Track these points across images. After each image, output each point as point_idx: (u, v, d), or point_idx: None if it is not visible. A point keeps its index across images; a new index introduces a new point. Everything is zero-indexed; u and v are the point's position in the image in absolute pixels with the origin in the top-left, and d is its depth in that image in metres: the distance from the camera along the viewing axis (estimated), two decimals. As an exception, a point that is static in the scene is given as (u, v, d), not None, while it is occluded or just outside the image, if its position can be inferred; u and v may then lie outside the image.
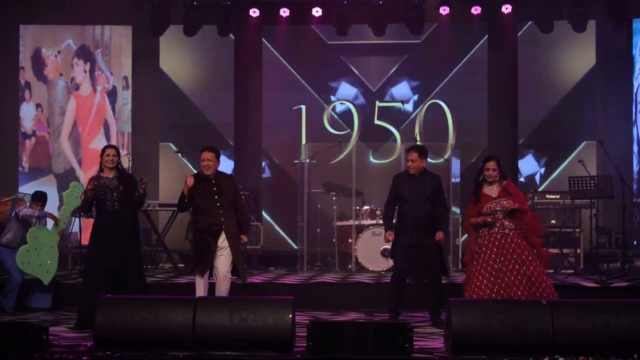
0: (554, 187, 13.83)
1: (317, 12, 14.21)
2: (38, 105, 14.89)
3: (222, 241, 8.18)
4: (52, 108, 14.91)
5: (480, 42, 14.86)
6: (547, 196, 12.20)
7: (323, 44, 14.99)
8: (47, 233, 9.65)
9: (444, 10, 14.08)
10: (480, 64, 14.81)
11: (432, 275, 8.48)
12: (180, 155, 12.42)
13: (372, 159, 14.51)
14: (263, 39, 15.04)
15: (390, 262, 10.40)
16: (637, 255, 12.19)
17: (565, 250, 11.71)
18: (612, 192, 11.04)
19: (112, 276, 8.15)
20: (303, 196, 12.31)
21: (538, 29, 14.21)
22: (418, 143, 12.04)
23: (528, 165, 14.73)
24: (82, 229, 11.22)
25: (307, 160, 12.38)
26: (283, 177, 14.67)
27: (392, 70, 14.98)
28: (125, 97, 14.91)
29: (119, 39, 14.93)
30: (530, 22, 14.49)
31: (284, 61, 15.09)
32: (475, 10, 14.12)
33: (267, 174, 15.06)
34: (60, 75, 14.94)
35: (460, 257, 11.51)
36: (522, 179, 14.57)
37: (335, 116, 14.76)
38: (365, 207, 12.34)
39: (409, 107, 14.84)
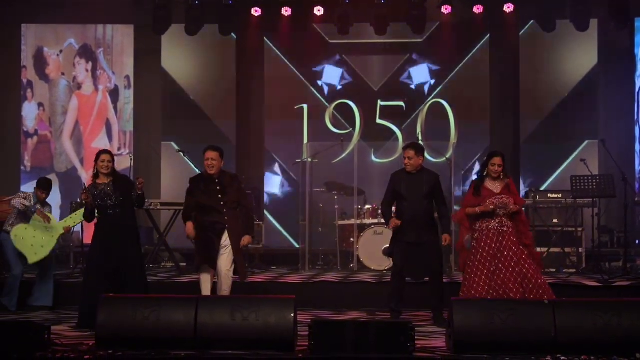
0: (556, 186, 13.82)
1: (319, 11, 14.22)
2: (40, 105, 14.91)
3: (225, 240, 8.19)
4: (54, 107, 14.92)
5: (482, 41, 14.85)
6: (549, 195, 12.18)
7: (325, 43, 14.99)
8: (53, 222, 9.60)
9: (446, 9, 14.07)
10: (482, 63, 14.80)
11: (433, 273, 8.47)
12: (182, 154, 12.48)
13: (373, 158, 14.52)
14: (265, 38, 15.04)
15: (391, 261, 10.40)
16: (639, 254, 12.18)
17: (567, 250, 11.69)
18: (614, 191, 11.03)
19: (113, 276, 8.15)
20: (305, 195, 12.31)
21: (540, 28, 14.21)
22: (420, 142, 12.03)
23: None
24: (84, 228, 11.23)
25: (309, 160, 12.38)
26: (285, 176, 14.69)
27: (394, 69, 14.98)
28: (127, 96, 14.91)
29: (120, 38, 14.94)
30: (532, 21, 14.48)
31: (286, 60, 15.08)
32: (477, 9, 14.11)
33: (286, 187, 15.05)
34: (62, 74, 14.95)
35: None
36: None
37: (337, 115, 14.76)
38: (367, 206, 12.35)
39: (425, 87, 14.82)
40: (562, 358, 6.33)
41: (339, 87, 14.99)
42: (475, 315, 6.59)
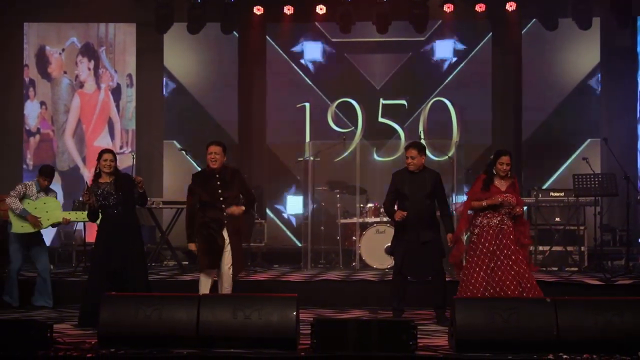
0: (559, 184, 13.82)
1: (321, 9, 14.23)
2: (42, 103, 14.92)
3: (225, 237, 8.20)
4: (57, 106, 14.93)
5: (485, 40, 14.85)
6: (552, 194, 12.19)
7: (327, 41, 14.99)
8: (55, 208, 9.57)
9: (448, 8, 14.07)
10: (485, 61, 14.79)
11: (435, 272, 8.46)
12: (184, 152, 12.48)
13: (376, 157, 14.51)
14: (267, 37, 15.04)
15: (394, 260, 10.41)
16: (642, 252, 12.21)
17: (569, 248, 11.70)
18: (617, 189, 11.03)
19: (115, 275, 8.15)
20: (307, 194, 12.31)
21: (542, 26, 14.20)
22: (422, 141, 12.02)
23: None
24: (87, 227, 11.24)
25: (311, 158, 12.38)
26: (287, 175, 14.70)
27: (396, 68, 14.98)
28: (129, 95, 14.92)
29: (123, 37, 14.94)
30: (534, 20, 14.47)
31: (288, 59, 15.09)
32: (480, 7, 14.12)
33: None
34: (65, 73, 14.95)
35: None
36: None
37: (340, 114, 14.76)
38: (369, 205, 12.35)
39: (444, 64, 14.83)
40: (564, 357, 6.32)
41: (324, 62, 14.95)
42: (478, 313, 6.59)
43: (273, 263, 12.85)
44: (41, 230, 9.64)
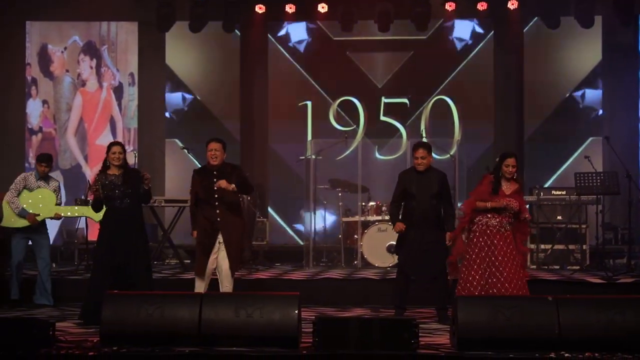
0: (560, 183, 13.82)
1: (322, 8, 14.23)
2: (44, 102, 14.93)
3: (218, 237, 8.20)
4: (59, 104, 14.94)
5: (487, 38, 14.85)
6: (553, 192, 12.19)
7: (329, 39, 14.99)
8: (49, 201, 9.49)
9: (450, 6, 14.07)
10: (486, 60, 14.79)
11: (439, 272, 8.46)
12: (186, 151, 12.48)
13: (377, 155, 14.51)
14: (269, 35, 15.05)
15: (395, 258, 10.40)
16: (643, 251, 12.20)
17: (571, 247, 11.69)
18: (618, 188, 11.03)
19: (119, 271, 8.15)
20: (309, 192, 12.32)
21: (544, 24, 14.20)
22: (424, 139, 12.02)
23: (592, 97, 14.68)
24: (89, 225, 11.24)
25: (313, 157, 12.38)
26: (289, 173, 14.71)
27: (398, 67, 14.98)
28: (131, 94, 14.93)
29: (125, 36, 14.96)
30: (536, 18, 14.48)
31: (290, 57, 15.09)
32: (482, 6, 14.11)
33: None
34: (67, 71, 14.97)
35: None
36: (600, 112, 14.53)
37: (341, 112, 14.76)
38: (371, 203, 12.34)
39: (459, 45, 14.85)
40: (566, 355, 6.32)
41: (310, 40, 14.91)
42: (480, 312, 6.59)
43: (275, 261, 12.84)
44: (45, 225, 9.62)
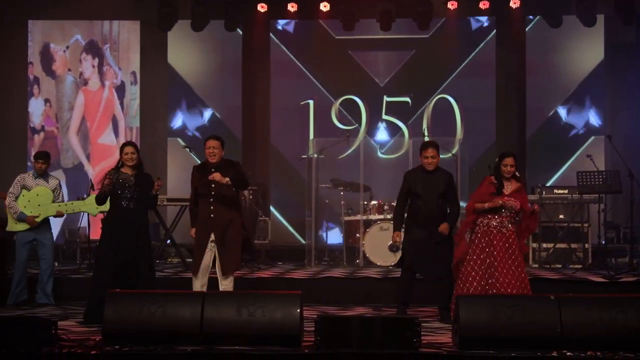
0: (562, 182, 13.82)
1: (324, 6, 14.23)
2: (47, 101, 14.94)
3: (212, 237, 8.21)
4: (61, 103, 14.95)
5: (489, 37, 14.84)
6: (556, 191, 12.18)
7: (331, 38, 14.99)
8: (47, 200, 9.45)
9: (452, 5, 14.07)
10: (488, 58, 14.79)
11: (444, 272, 8.46)
12: (188, 150, 12.43)
13: (379, 154, 14.51)
14: (271, 34, 15.05)
15: (397, 257, 10.40)
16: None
17: (573, 245, 11.69)
18: (621, 187, 11.02)
19: (121, 271, 8.15)
20: (311, 191, 12.32)
21: (546, 23, 14.20)
22: (426, 138, 12.03)
23: (576, 119, 14.70)
24: (91, 224, 11.25)
25: (315, 155, 12.38)
26: (291, 172, 14.71)
27: (400, 65, 14.98)
28: (133, 92, 14.94)
29: (127, 34, 14.96)
30: (538, 17, 14.47)
31: (292, 56, 15.09)
32: (484, 4, 14.11)
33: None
34: (69, 70, 14.97)
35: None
36: (581, 132, 14.56)
37: (343, 111, 14.76)
38: (373, 202, 12.34)
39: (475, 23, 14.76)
40: (568, 354, 6.32)
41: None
42: (481, 311, 6.60)
43: (277, 260, 12.86)
44: (48, 224, 9.61)
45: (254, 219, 12.64)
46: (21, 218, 9.37)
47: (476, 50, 14.87)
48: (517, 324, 6.49)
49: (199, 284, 8.22)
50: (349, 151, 13.30)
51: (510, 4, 14.07)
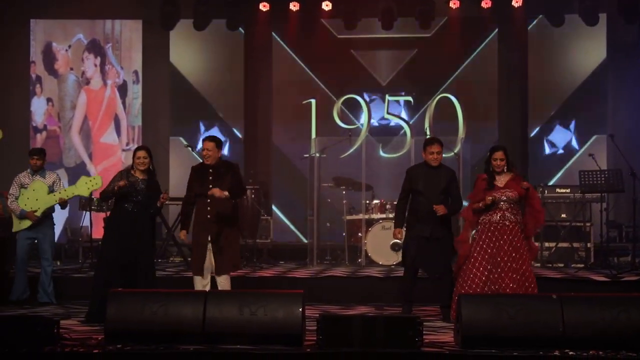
0: (565, 181, 13.80)
1: (327, 6, 14.23)
2: (49, 100, 14.95)
3: (209, 238, 8.20)
4: (63, 102, 14.96)
5: (491, 36, 14.83)
6: (558, 190, 12.18)
7: (333, 38, 14.99)
8: (44, 192, 9.41)
9: (454, 4, 14.06)
10: (490, 58, 14.78)
11: (445, 270, 8.47)
12: (190, 149, 12.43)
13: (381, 153, 14.49)
14: (273, 33, 15.05)
15: (399, 256, 10.40)
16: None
17: (575, 244, 11.69)
18: (623, 186, 11.02)
19: (124, 271, 8.15)
20: (313, 190, 12.32)
21: (548, 22, 14.19)
22: (428, 137, 12.01)
23: (560, 136, 14.70)
24: (93, 223, 11.25)
25: (317, 154, 12.38)
26: (293, 171, 14.71)
27: (402, 65, 14.97)
28: (135, 92, 14.94)
29: (129, 34, 14.97)
30: (540, 16, 14.46)
31: (294, 55, 15.09)
32: (486, 4, 14.10)
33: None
34: (71, 69, 14.98)
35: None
36: (561, 151, 14.62)
37: (345, 110, 14.74)
38: (375, 201, 12.34)
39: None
40: (570, 353, 6.32)
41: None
42: (484, 310, 6.59)
43: (279, 259, 12.86)
44: (50, 222, 9.61)
45: (256, 218, 12.65)
46: (22, 215, 9.38)
47: (478, 49, 14.86)
48: (520, 323, 6.49)
49: (201, 285, 8.22)
50: (351, 150, 13.27)
51: (513, 3, 14.06)
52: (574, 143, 14.59)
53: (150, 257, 8.46)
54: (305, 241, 13.06)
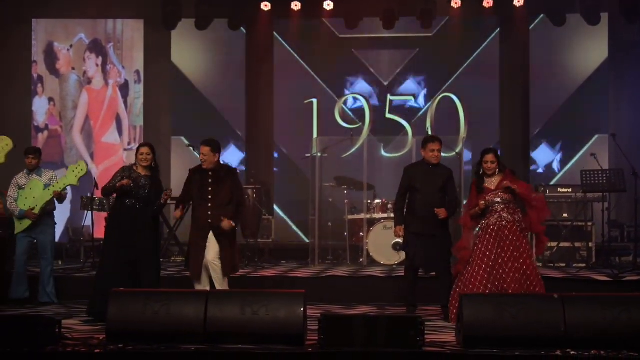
0: (566, 180, 13.80)
1: (328, 5, 14.23)
2: (50, 99, 14.95)
3: (211, 236, 8.17)
4: (65, 102, 14.97)
5: (492, 36, 14.83)
6: (560, 190, 12.19)
7: (335, 37, 14.99)
8: (39, 188, 9.37)
9: (456, 4, 14.05)
10: (492, 57, 14.77)
11: (442, 268, 8.48)
12: (192, 149, 12.45)
13: (383, 153, 14.50)
14: (274, 33, 15.05)
15: (401, 256, 10.41)
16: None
17: (577, 244, 11.68)
18: (625, 185, 11.02)
19: (127, 268, 8.14)
20: (314, 190, 12.32)
21: (550, 22, 14.17)
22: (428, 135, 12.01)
23: (543, 155, 14.70)
24: (95, 222, 11.25)
25: (319, 154, 12.38)
26: (294, 171, 14.71)
27: (404, 64, 14.97)
28: (137, 91, 14.95)
29: (130, 33, 14.97)
30: (542, 15, 14.45)
31: (296, 55, 15.09)
32: (487, 3, 14.09)
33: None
34: (73, 69, 14.99)
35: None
36: (540, 170, 14.60)
37: (347, 110, 14.75)
38: (377, 201, 12.35)
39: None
40: (572, 353, 6.32)
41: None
42: (485, 310, 6.59)
43: (280, 259, 12.86)
44: (50, 222, 9.60)
45: (258, 218, 12.64)
46: (21, 215, 9.38)
47: (480, 49, 14.85)
48: (521, 323, 6.49)
49: (202, 287, 8.20)
50: (353, 150, 13.28)
51: (514, 3, 14.05)
52: (555, 165, 14.55)
53: (153, 255, 8.42)
54: (307, 241, 13.06)
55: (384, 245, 11.59)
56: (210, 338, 6.57)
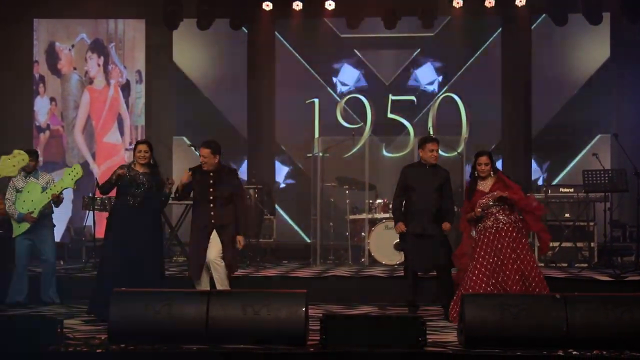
0: (568, 180, 13.79)
1: (329, 5, 14.22)
2: (52, 99, 14.95)
3: (214, 236, 8.17)
4: (66, 102, 14.97)
5: (494, 35, 14.82)
6: (561, 189, 12.18)
7: (336, 37, 14.98)
8: (37, 191, 9.32)
9: (457, 3, 14.04)
10: (494, 57, 14.76)
11: (441, 267, 8.48)
12: (193, 148, 12.49)
13: (385, 153, 14.50)
14: (276, 32, 15.04)
15: (402, 256, 10.40)
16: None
17: (579, 244, 11.67)
18: (627, 185, 11.01)
19: (128, 266, 8.14)
20: (316, 190, 12.31)
21: (552, 21, 14.16)
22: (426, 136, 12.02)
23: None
24: (96, 222, 11.25)
25: (320, 154, 12.38)
26: (296, 171, 14.71)
27: (405, 64, 14.96)
28: (138, 91, 14.95)
29: (132, 33, 14.97)
30: (544, 15, 14.44)
31: (297, 54, 15.08)
32: (489, 3, 14.08)
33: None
34: (74, 69, 14.99)
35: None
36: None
37: (349, 110, 14.74)
38: (379, 201, 12.35)
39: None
40: (574, 353, 6.31)
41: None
42: (487, 310, 6.58)
43: (282, 259, 12.86)
44: (49, 223, 9.60)
45: (259, 218, 12.64)
46: (20, 218, 9.36)
47: (482, 49, 14.84)
48: (523, 323, 6.48)
49: (201, 287, 8.19)
50: (354, 150, 13.30)
51: (516, 2, 14.03)
52: (540, 182, 14.53)
53: (156, 254, 8.41)
54: (309, 241, 13.06)
55: (385, 245, 11.58)
56: (212, 338, 6.56)
